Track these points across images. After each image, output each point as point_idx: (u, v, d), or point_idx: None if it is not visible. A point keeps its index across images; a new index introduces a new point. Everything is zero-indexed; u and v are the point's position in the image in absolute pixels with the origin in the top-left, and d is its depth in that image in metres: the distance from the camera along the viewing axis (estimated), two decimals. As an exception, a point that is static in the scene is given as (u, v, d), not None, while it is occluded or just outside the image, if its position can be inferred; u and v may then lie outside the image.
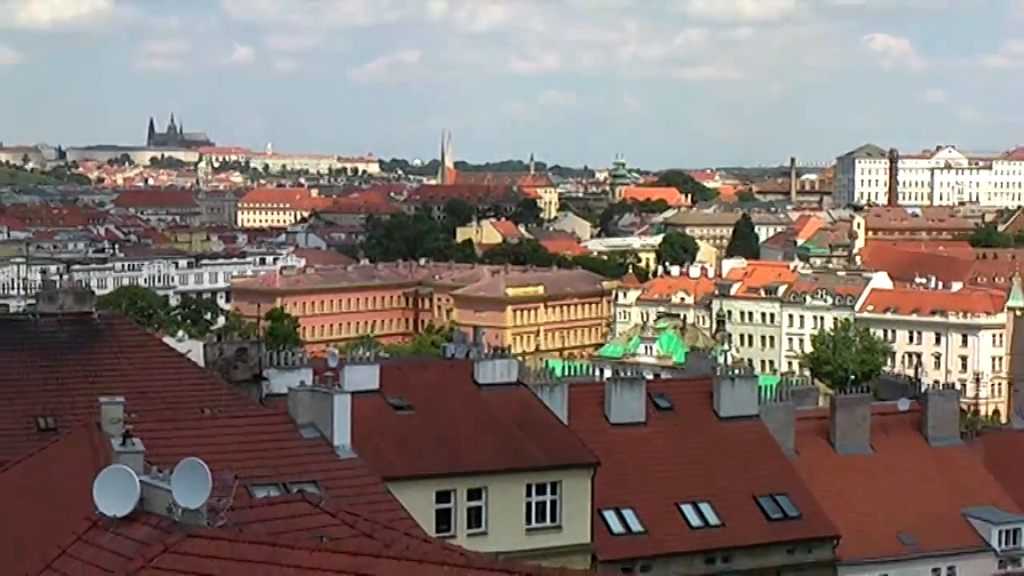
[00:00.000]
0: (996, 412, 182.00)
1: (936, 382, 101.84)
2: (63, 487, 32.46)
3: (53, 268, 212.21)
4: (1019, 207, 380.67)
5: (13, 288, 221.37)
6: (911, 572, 67.81)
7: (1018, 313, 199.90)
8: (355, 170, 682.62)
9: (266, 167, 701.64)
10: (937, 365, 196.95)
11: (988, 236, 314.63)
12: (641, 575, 60.46)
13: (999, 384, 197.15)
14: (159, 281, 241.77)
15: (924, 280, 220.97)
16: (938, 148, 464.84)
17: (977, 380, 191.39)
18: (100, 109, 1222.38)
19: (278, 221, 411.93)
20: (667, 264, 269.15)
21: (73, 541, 26.99)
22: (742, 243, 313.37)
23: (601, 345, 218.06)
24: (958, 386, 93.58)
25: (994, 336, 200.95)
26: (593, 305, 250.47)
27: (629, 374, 77.78)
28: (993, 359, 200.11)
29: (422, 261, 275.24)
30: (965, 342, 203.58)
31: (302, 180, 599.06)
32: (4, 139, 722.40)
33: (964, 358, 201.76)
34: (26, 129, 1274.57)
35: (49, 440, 43.52)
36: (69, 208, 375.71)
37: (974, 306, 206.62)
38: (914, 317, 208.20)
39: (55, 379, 57.14)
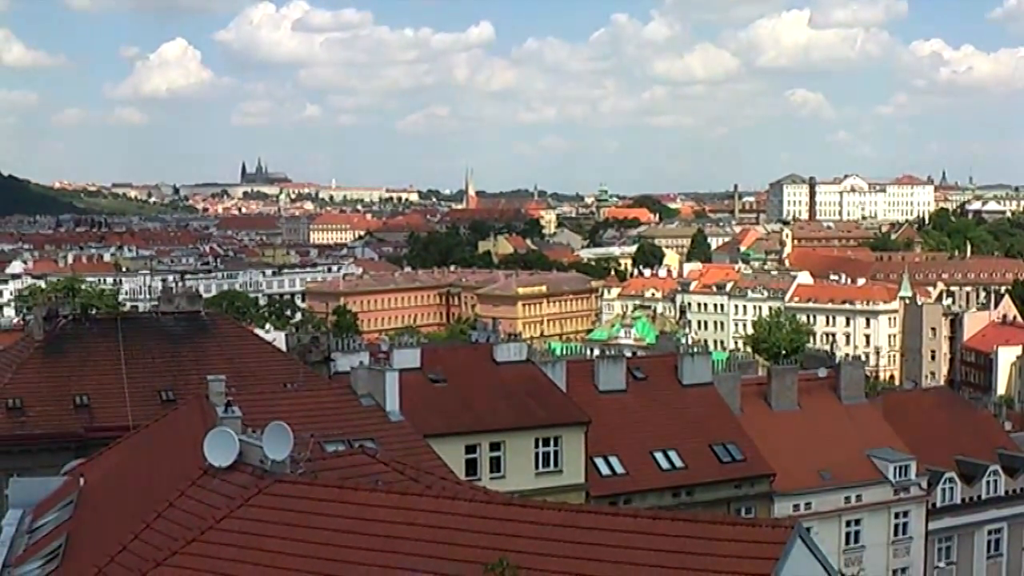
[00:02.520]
0: (892, 377, 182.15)
1: (846, 355, 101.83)
2: (180, 444, 32.49)
3: (171, 277, 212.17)
4: (907, 221, 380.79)
5: (141, 293, 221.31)
6: (828, 500, 67.67)
7: (907, 301, 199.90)
8: (399, 199, 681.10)
9: (331, 197, 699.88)
10: (847, 342, 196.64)
11: (884, 243, 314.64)
12: (624, 507, 60.40)
13: (894, 356, 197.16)
14: (251, 286, 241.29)
15: (837, 277, 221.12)
16: (845, 176, 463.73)
17: (877, 353, 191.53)
18: (205, 155, 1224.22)
19: (341, 239, 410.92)
20: (641, 267, 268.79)
21: (189, 485, 27.10)
22: (698, 250, 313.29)
23: (591, 330, 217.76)
24: (863, 358, 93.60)
25: (890, 319, 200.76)
26: (584, 300, 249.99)
27: (613, 353, 77.82)
28: (889, 337, 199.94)
29: (452, 268, 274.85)
30: (868, 324, 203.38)
31: (359, 207, 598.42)
32: (133, 180, 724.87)
33: (867, 336, 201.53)
34: (150, 172, 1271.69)
35: (169, 409, 43.62)
36: (182, 231, 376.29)
37: (874, 296, 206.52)
38: (829, 305, 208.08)
39: (173, 362, 57.43)
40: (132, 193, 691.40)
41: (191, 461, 28.31)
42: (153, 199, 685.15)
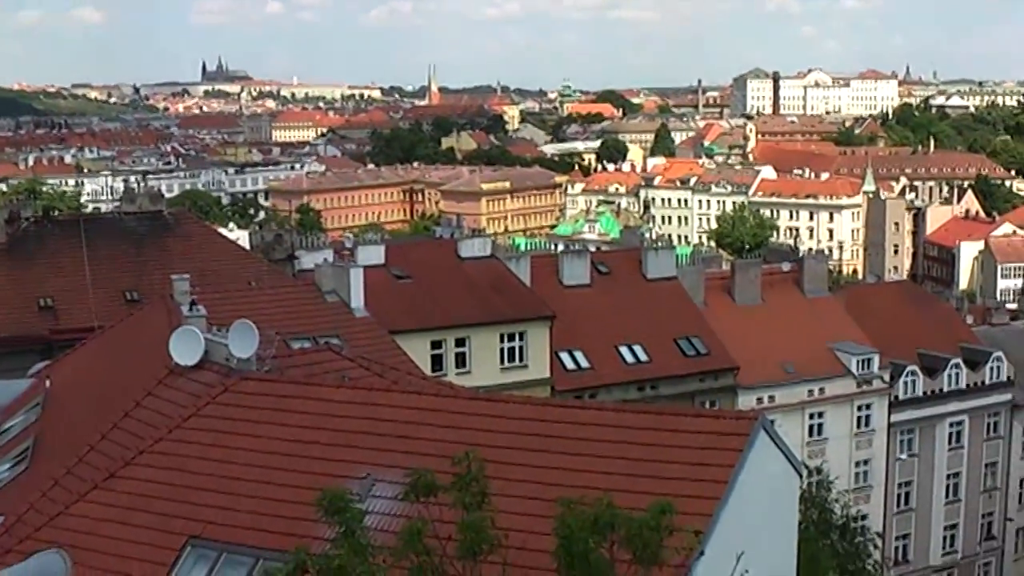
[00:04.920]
0: (855, 271, 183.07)
1: (810, 249, 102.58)
2: (146, 344, 32.45)
3: (133, 178, 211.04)
4: (871, 115, 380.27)
5: (103, 194, 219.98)
6: (792, 393, 68.25)
7: (870, 196, 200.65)
8: (362, 96, 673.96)
9: (293, 95, 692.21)
10: (811, 236, 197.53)
11: (848, 138, 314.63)
12: (589, 400, 60.77)
13: (857, 250, 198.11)
14: (213, 185, 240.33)
15: (800, 172, 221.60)
16: (809, 71, 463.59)
17: (840, 247, 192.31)
18: (165, 54, 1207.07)
19: (304, 137, 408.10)
20: (605, 163, 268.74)
21: (156, 384, 27.15)
22: (662, 145, 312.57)
23: (555, 226, 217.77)
24: (826, 252, 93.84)
25: (853, 213, 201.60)
26: (548, 195, 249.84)
27: (577, 248, 77.96)
28: (852, 231, 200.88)
29: (415, 164, 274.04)
30: (831, 218, 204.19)
31: (321, 104, 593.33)
32: (92, 80, 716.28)
33: (831, 230, 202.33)
34: (109, 71, 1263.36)
35: (134, 309, 43.52)
36: (143, 131, 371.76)
37: (838, 191, 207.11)
38: (793, 200, 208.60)
39: (137, 262, 57.19)
40: (92, 94, 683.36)
41: (157, 360, 28.29)
42: (113, 99, 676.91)
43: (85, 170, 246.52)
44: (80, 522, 23.17)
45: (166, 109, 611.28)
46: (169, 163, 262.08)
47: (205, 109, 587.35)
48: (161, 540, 22.01)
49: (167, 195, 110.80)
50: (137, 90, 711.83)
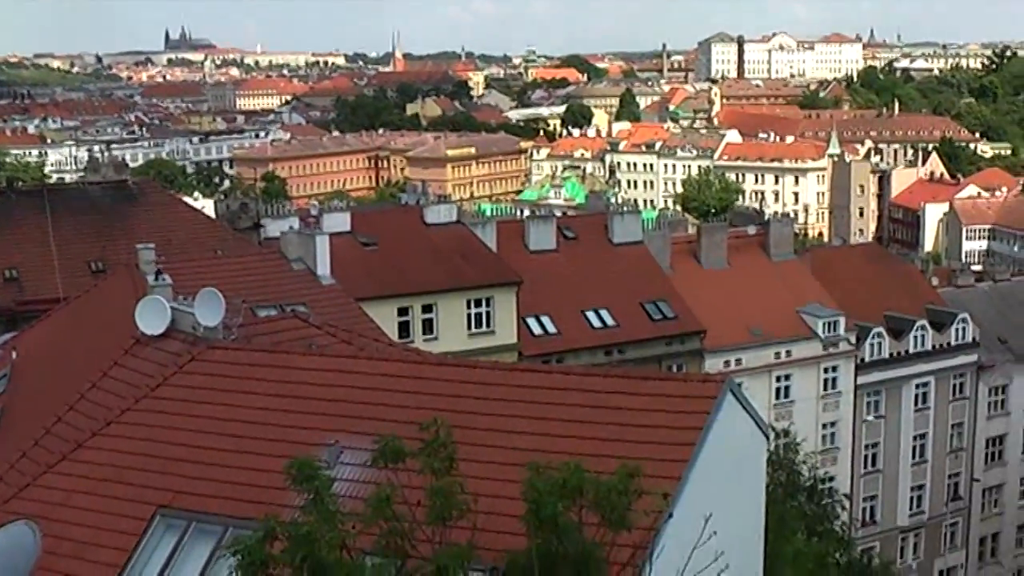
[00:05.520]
0: (820, 234, 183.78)
1: (775, 212, 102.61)
2: (112, 314, 32.29)
3: (96, 147, 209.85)
4: (835, 79, 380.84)
5: (67, 164, 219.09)
6: (759, 356, 68.53)
7: (835, 159, 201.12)
8: (326, 63, 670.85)
9: (257, 63, 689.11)
10: (776, 200, 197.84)
11: (812, 101, 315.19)
12: (556, 365, 60.82)
13: (822, 213, 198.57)
14: (178, 154, 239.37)
15: (765, 135, 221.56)
16: (774, 34, 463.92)
17: (806, 210, 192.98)
18: (127, 23, 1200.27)
19: (268, 105, 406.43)
20: (570, 128, 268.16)
21: (122, 354, 27.05)
22: (627, 110, 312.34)
23: (521, 191, 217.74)
24: (792, 215, 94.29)
25: (818, 176, 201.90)
26: (513, 161, 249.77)
27: (543, 213, 78.04)
28: (818, 194, 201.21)
29: (380, 131, 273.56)
30: (797, 182, 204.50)
31: (285, 72, 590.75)
32: (55, 50, 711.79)
33: (796, 194, 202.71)
34: (72, 41, 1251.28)
35: (100, 279, 43.37)
36: (107, 101, 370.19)
37: (803, 154, 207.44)
38: (758, 164, 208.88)
39: (102, 232, 56.88)
40: (55, 63, 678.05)
41: (123, 330, 28.14)
42: (76, 69, 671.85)
43: (49, 140, 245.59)
44: (49, 493, 23.10)
45: (129, 78, 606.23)
46: (133, 132, 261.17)
47: (168, 78, 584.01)
48: (130, 510, 21.94)
49: (131, 165, 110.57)
50: (100, 59, 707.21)
